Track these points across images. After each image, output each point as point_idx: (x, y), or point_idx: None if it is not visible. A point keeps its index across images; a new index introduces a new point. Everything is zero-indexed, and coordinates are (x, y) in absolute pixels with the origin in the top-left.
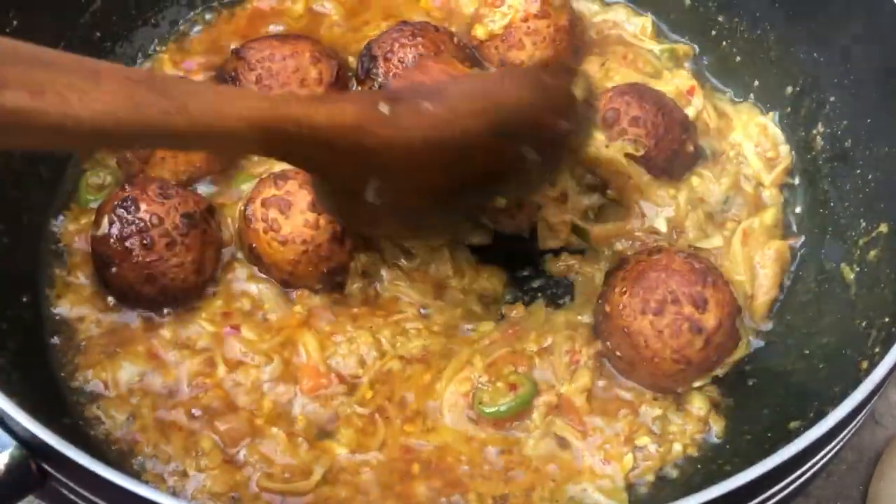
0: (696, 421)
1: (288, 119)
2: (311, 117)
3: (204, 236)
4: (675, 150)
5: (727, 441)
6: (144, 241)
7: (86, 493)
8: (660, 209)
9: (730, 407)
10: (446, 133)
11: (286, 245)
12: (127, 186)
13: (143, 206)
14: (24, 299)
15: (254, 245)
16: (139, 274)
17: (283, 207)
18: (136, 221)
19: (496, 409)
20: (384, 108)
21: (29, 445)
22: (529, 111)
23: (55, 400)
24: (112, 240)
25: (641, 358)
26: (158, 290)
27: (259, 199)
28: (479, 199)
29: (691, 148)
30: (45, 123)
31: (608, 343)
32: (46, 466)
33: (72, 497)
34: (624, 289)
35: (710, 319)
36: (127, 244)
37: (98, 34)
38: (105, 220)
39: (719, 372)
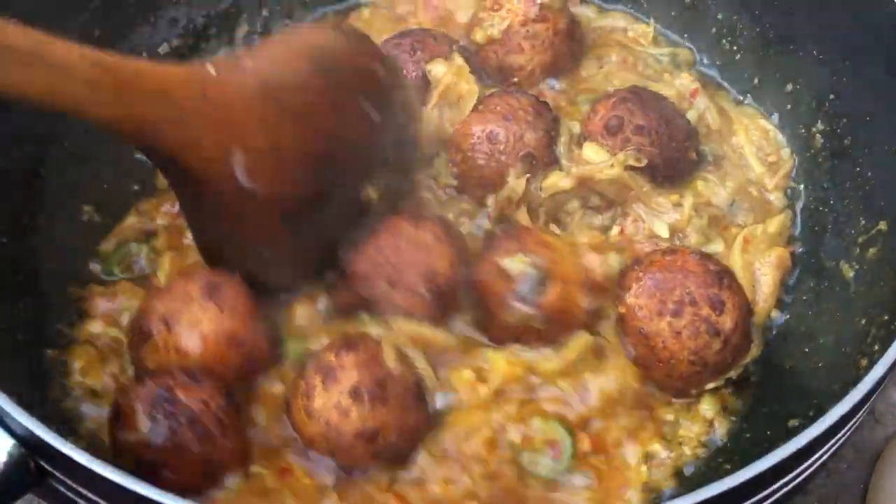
0: (703, 422)
1: (122, 64)
2: (144, 66)
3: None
4: (679, 158)
5: (728, 440)
6: (198, 432)
7: (84, 491)
8: (662, 215)
9: (736, 408)
10: (275, 76)
11: (311, 418)
12: (147, 381)
13: (181, 395)
14: (28, 301)
15: (290, 401)
16: (194, 470)
17: (327, 378)
18: (183, 412)
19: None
20: (211, 69)
21: (27, 443)
22: (343, 53)
23: (54, 397)
24: (159, 440)
25: (657, 359)
26: (216, 483)
27: (316, 360)
28: (351, 183)
29: (694, 155)
30: None
31: (623, 345)
32: (45, 464)
33: (70, 495)
34: (639, 290)
35: (727, 321)
36: (177, 441)
37: (98, 32)
38: (141, 421)
39: (733, 374)
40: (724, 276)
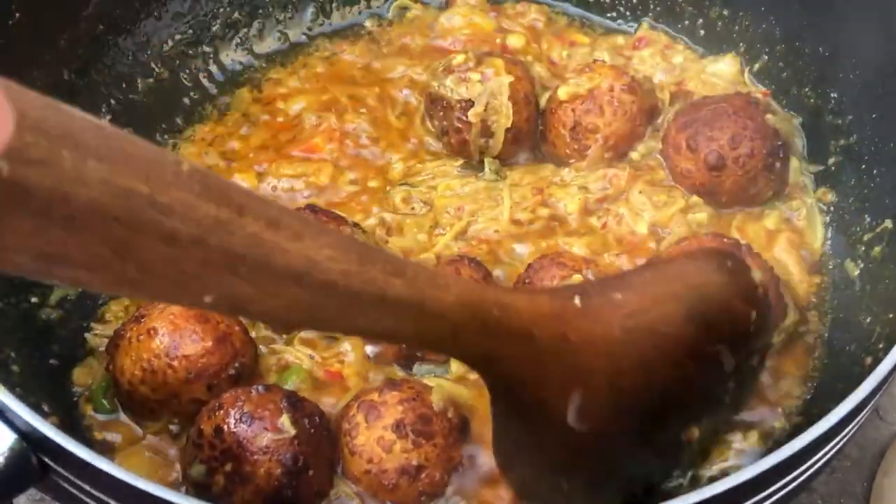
0: None
1: (494, 301)
2: (514, 301)
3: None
4: None
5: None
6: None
7: (86, 487)
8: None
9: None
10: (643, 321)
11: (354, 456)
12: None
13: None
14: (33, 300)
15: (338, 444)
16: (324, 472)
17: (370, 415)
18: (315, 412)
19: None
20: (577, 300)
21: (30, 438)
22: (719, 295)
23: (56, 392)
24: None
25: None
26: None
27: (360, 398)
28: (677, 426)
29: None
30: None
31: None
32: (47, 459)
33: (72, 490)
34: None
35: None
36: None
37: (101, 27)
38: (284, 422)
39: (774, 340)
40: (740, 245)
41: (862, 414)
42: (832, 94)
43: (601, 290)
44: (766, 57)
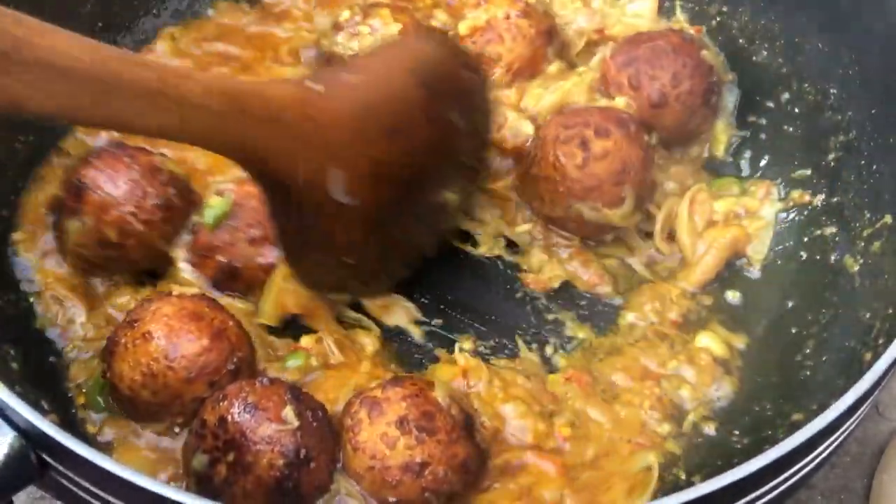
0: (708, 373)
1: (249, 89)
2: (265, 89)
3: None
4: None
5: (729, 428)
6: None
7: (86, 484)
8: None
9: (735, 390)
10: (381, 92)
11: (356, 453)
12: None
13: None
14: (31, 298)
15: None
16: (327, 464)
17: (373, 411)
18: (317, 406)
19: None
20: (315, 85)
21: (29, 436)
22: (443, 62)
23: (55, 390)
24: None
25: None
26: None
27: (363, 394)
28: (435, 192)
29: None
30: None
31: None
32: (46, 457)
33: (72, 487)
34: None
35: (598, 147)
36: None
37: (100, 24)
38: (287, 414)
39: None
40: (630, 123)
41: (861, 410)
42: (832, 91)
43: (335, 76)
44: (769, 46)
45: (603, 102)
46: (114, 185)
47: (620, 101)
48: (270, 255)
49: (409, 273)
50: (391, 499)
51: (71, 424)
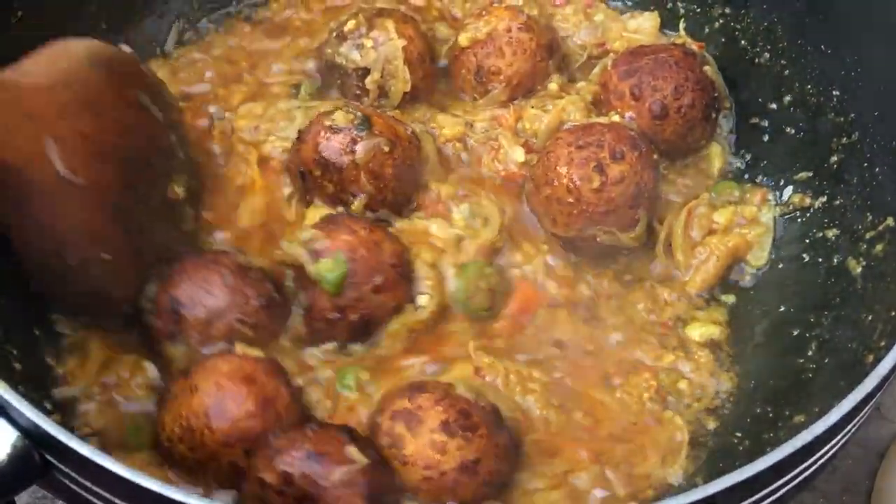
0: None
1: None
2: None
3: None
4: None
5: (732, 430)
6: None
7: (88, 484)
8: None
9: (734, 394)
10: (58, 70)
11: (407, 467)
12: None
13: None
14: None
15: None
16: None
17: (411, 423)
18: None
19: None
20: None
21: (32, 435)
22: (107, 52)
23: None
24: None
25: (545, 180)
26: None
27: (389, 411)
28: (159, 181)
29: None
30: None
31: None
32: (49, 456)
33: (74, 487)
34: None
35: (615, 170)
36: None
37: (104, 25)
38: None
39: (601, 234)
40: (640, 143)
41: (863, 412)
42: (834, 92)
43: (10, 66)
44: (772, 48)
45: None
46: (212, 296)
47: (615, 117)
48: (398, 292)
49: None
50: (450, 502)
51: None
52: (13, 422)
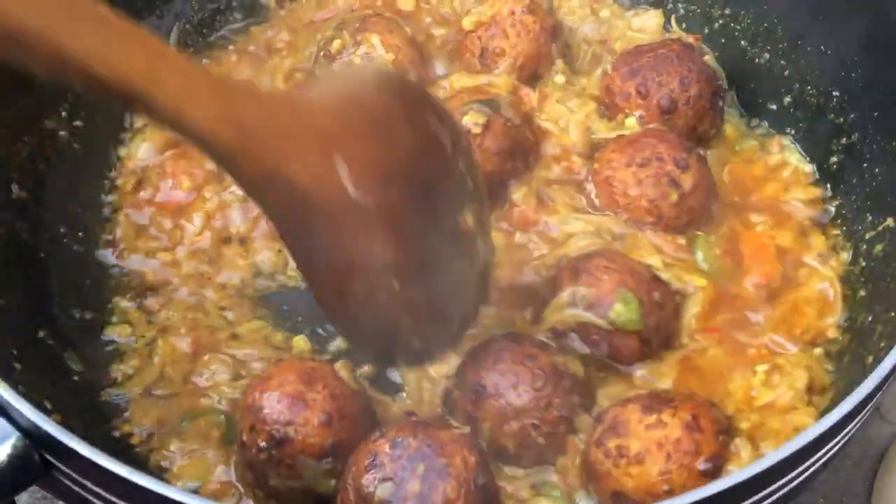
0: None
1: (233, 84)
2: (253, 87)
3: None
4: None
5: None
6: None
7: (89, 484)
8: None
9: None
10: (351, 91)
11: (643, 464)
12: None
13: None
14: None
15: (616, 489)
16: None
17: (619, 430)
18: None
19: None
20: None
21: (32, 436)
22: (396, 80)
23: (59, 390)
24: None
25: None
26: None
27: (597, 436)
28: (449, 209)
29: None
30: None
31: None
32: (49, 457)
33: (75, 487)
34: (615, 146)
35: (688, 179)
36: None
37: None
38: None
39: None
40: (694, 148)
41: (863, 413)
42: (834, 93)
43: (309, 85)
44: (771, 48)
45: (612, 124)
46: (516, 392)
47: (631, 122)
48: (673, 296)
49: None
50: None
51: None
52: (13, 422)
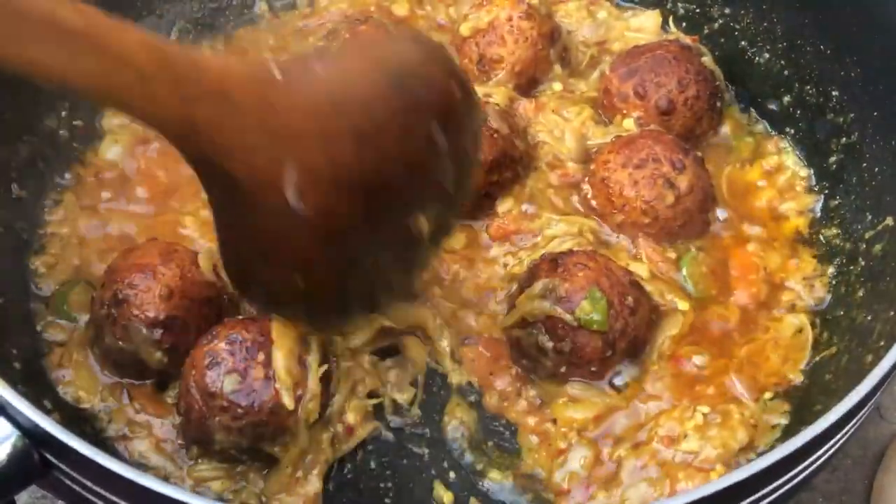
0: None
1: (180, 53)
2: (203, 58)
3: None
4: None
5: None
6: None
7: (88, 483)
8: None
9: None
10: (346, 87)
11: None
12: None
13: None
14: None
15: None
16: None
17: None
18: None
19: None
20: (276, 73)
21: (31, 435)
22: (420, 64)
23: (57, 389)
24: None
25: (613, 206)
26: None
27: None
28: (403, 211)
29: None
30: None
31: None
32: (49, 456)
33: (74, 487)
34: (611, 147)
35: (683, 181)
36: None
37: None
38: None
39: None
40: (690, 150)
41: (862, 412)
42: (833, 93)
43: (302, 63)
44: (770, 48)
45: (608, 129)
46: None
47: (628, 123)
48: (649, 304)
49: (368, 313)
50: None
51: (78, 421)
52: (13, 421)
